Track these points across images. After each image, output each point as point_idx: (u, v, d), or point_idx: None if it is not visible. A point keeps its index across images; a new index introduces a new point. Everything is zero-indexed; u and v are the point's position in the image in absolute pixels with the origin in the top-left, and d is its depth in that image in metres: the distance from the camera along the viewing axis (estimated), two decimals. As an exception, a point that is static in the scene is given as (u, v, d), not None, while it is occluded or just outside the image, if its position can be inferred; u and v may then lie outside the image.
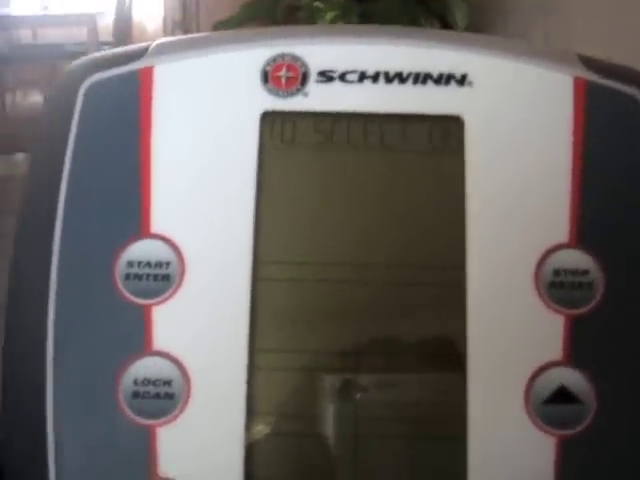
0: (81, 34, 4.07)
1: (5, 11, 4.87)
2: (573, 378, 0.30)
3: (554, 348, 0.31)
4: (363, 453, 0.31)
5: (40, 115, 0.35)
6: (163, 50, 0.34)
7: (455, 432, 0.30)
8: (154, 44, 0.35)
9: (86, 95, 0.33)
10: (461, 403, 0.30)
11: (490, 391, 0.30)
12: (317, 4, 1.50)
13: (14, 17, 4.56)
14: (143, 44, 0.35)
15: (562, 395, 0.30)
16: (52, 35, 4.22)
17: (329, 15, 1.51)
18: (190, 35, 0.36)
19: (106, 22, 4.27)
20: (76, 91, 0.33)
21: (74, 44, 4.02)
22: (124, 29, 4.03)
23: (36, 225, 0.32)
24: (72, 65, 0.35)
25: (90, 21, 4.02)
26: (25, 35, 4.85)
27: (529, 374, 0.30)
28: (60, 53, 3.93)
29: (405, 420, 0.31)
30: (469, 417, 0.30)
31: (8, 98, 4.39)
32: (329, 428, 0.31)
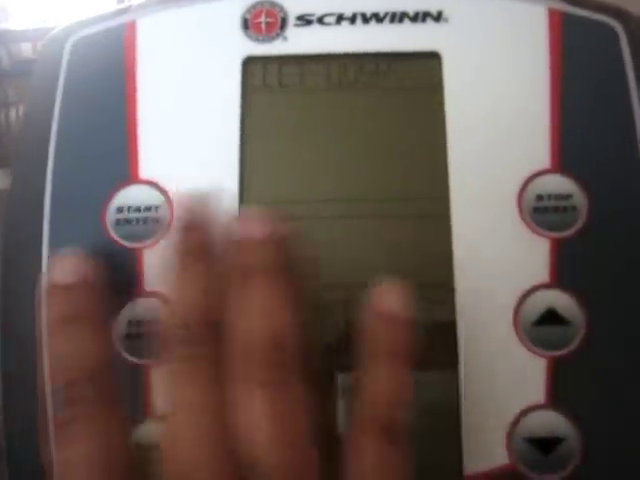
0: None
1: (5, 25, 4.90)
2: (561, 300, 0.31)
3: (541, 271, 0.31)
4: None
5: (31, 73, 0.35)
6: (146, 5, 0.35)
7: (446, 360, 0.31)
8: (137, 2, 0.35)
9: (72, 50, 0.34)
10: (451, 330, 0.31)
11: (479, 316, 0.31)
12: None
13: (14, 31, 4.59)
14: (127, 4, 0.36)
15: (550, 317, 0.31)
16: (52, 48, 4.24)
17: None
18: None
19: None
20: (62, 48, 0.34)
21: (74, 55, 4.03)
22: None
23: (27, 179, 0.33)
24: (59, 25, 0.36)
25: (89, 32, 4.05)
26: (26, 49, 4.90)
27: (517, 297, 0.31)
28: (61, 65, 3.95)
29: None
30: (459, 343, 0.31)
31: (11, 113, 4.43)
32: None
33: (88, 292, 0.28)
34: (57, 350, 0.27)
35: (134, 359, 0.31)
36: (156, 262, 0.31)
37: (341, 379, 0.31)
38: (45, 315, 0.29)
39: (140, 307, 0.31)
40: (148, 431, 0.30)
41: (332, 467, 0.26)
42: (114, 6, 0.36)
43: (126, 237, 0.31)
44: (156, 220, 0.32)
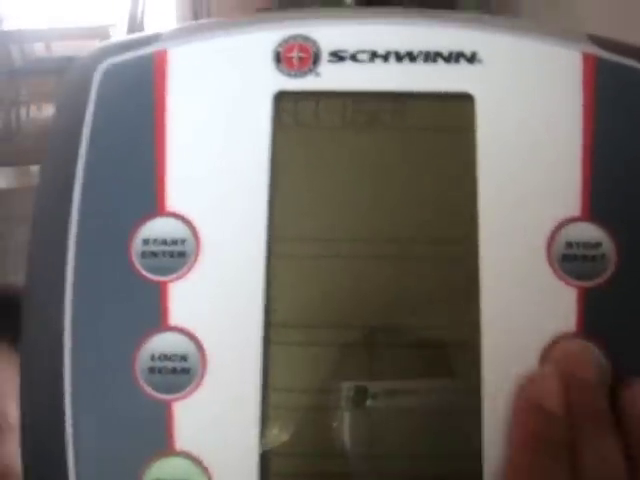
0: (94, 47, 4.10)
1: (18, 24, 4.92)
2: None
3: (567, 320, 0.31)
4: (377, 429, 0.31)
5: (56, 99, 0.35)
6: (177, 34, 0.35)
7: (469, 409, 0.30)
8: (168, 29, 0.35)
9: (101, 78, 0.34)
10: (475, 378, 0.30)
11: (504, 365, 0.30)
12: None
13: (27, 31, 4.61)
14: (158, 30, 0.36)
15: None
16: (65, 48, 4.26)
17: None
18: (203, 20, 0.37)
19: (119, 34, 4.30)
20: (91, 74, 0.34)
21: (87, 56, 4.04)
22: (137, 41, 4.06)
23: (53, 207, 0.33)
24: (87, 51, 0.36)
25: (103, 33, 4.06)
26: (39, 48, 4.91)
27: (543, 347, 0.31)
28: (73, 66, 3.96)
29: (418, 396, 0.31)
30: (483, 391, 0.30)
31: (23, 112, 4.44)
32: (344, 408, 0.31)
33: (565, 424, 0.28)
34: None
35: (157, 393, 0.30)
36: (181, 296, 0.31)
37: (346, 389, 0.31)
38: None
39: (164, 341, 0.31)
40: (168, 467, 0.30)
41: None
42: (144, 33, 0.36)
43: (152, 270, 0.31)
44: (182, 253, 0.31)
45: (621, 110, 0.32)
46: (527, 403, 0.29)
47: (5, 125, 4.03)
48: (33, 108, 4.47)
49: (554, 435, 0.28)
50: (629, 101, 0.32)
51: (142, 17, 4.20)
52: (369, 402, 0.31)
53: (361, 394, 0.31)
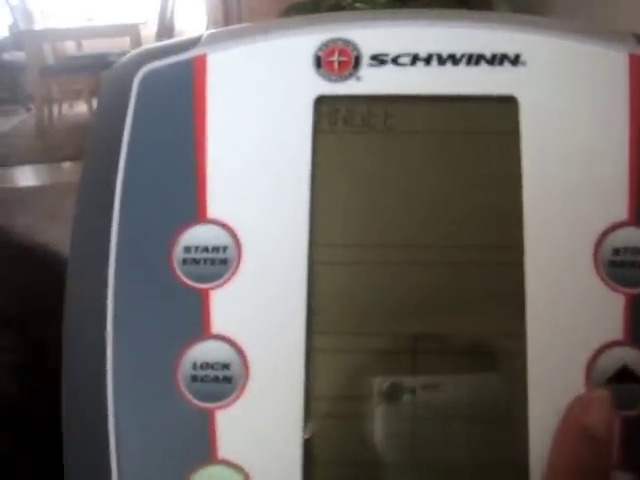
0: (124, 44, 4.13)
1: (50, 23, 4.96)
2: (635, 357, 0.30)
3: (615, 328, 0.30)
4: (419, 438, 0.31)
5: (92, 111, 0.35)
6: (215, 39, 0.34)
7: (515, 418, 0.30)
8: (206, 34, 0.35)
9: (141, 84, 0.33)
10: (521, 386, 0.30)
11: (550, 373, 0.30)
12: (359, 5, 1.50)
13: (59, 29, 4.64)
14: (195, 35, 0.35)
15: (624, 375, 0.30)
16: (96, 46, 4.29)
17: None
18: (241, 25, 0.36)
19: (149, 32, 4.32)
20: (131, 80, 0.34)
21: (118, 54, 4.08)
22: (167, 38, 4.07)
23: (93, 213, 0.33)
24: (125, 56, 0.36)
25: (133, 31, 4.08)
26: (70, 46, 4.94)
27: (590, 355, 0.30)
28: (104, 63, 4.00)
29: (463, 405, 0.31)
30: (529, 400, 0.30)
31: (54, 109, 4.47)
32: (387, 416, 0.31)
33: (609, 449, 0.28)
34: None
35: (199, 402, 0.30)
36: (223, 303, 0.31)
37: (377, 384, 0.31)
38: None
39: (207, 349, 0.31)
40: (211, 475, 0.30)
41: None
42: (183, 38, 0.36)
43: (193, 277, 0.31)
44: (224, 261, 0.31)
45: None
46: (573, 425, 0.28)
47: (37, 122, 4.07)
48: (65, 105, 4.51)
49: (593, 460, 0.27)
50: (677, 102, 0.32)
51: (172, 15, 4.22)
52: (410, 404, 0.30)
53: (400, 392, 0.30)
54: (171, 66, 0.34)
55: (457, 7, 1.50)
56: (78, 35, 4.51)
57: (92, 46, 4.40)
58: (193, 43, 0.34)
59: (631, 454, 0.29)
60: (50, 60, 4.40)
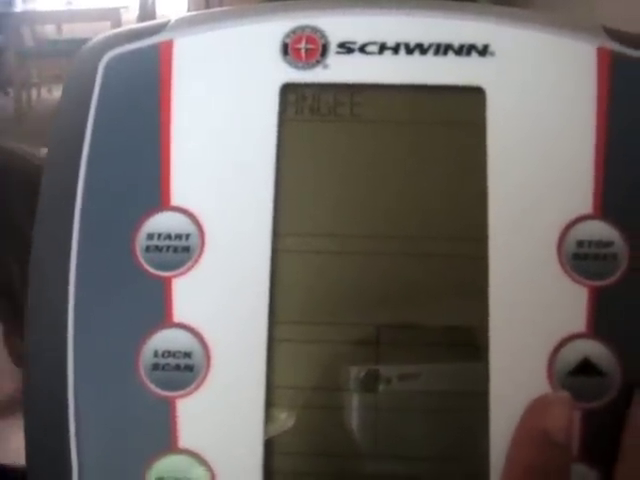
0: (105, 29, 4.09)
1: (30, 6, 4.91)
2: (597, 350, 0.30)
3: (578, 320, 0.30)
4: (383, 429, 0.30)
5: (62, 89, 0.35)
6: (183, 24, 0.34)
7: (477, 407, 0.30)
8: (174, 19, 0.35)
9: (106, 68, 0.33)
10: (483, 376, 0.30)
11: (512, 364, 0.30)
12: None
13: (39, 12, 4.59)
14: (163, 19, 0.35)
15: (586, 367, 0.30)
16: (76, 30, 4.25)
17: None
18: (209, 9, 0.36)
19: (130, 16, 4.29)
20: (96, 65, 0.33)
21: (98, 38, 4.04)
22: (148, 23, 4.04)
23: (56, 198, 0.32)
24: (92, 40, 0.35)
25: (114, 15, 4.04)
26: (50, 30, 4.90)
27: (553, 346, 0.30)
28: (84, 48, 3.96)
29: (425, 397, 0.31)
30: (491, 392, 0.30)
31: (33, 93, 4.43)
32: (350, 407, 0.31)
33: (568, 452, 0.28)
34: None
35: (160, 390, 0.30)
36: (185, 291, 0.31)
37: (354, 372, 0.30)
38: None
39: (168, 337, 0.30)
40: (171, 465, 0.30)
41: None
42: (150, 22, 0.35)
43: (156, 265, 0.31)
44: (187, 248, 0.31)
45: (636, 106, 0.32)
46: (532, 427, 0.28)
47: (16, 107, 4.03)
48: (43, 90, 4.47)
49: (552, 464, 0.27)
50: (644, 96, 0.32)
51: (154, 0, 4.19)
52: (376, 391, 0.30)
53: (371, 379, 0.30)
54: (137, 51, 0.33)
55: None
56: (58, 19, 4.47)
57: (72, 30, 4.36)
58: (160, 28, 0.34)
59: (592, 447, 0.29)
60: (29, 43, 4.35)
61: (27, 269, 0.32)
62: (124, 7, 4.30)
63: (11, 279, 0.57)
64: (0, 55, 4.41)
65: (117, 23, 3.99)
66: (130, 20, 4.19)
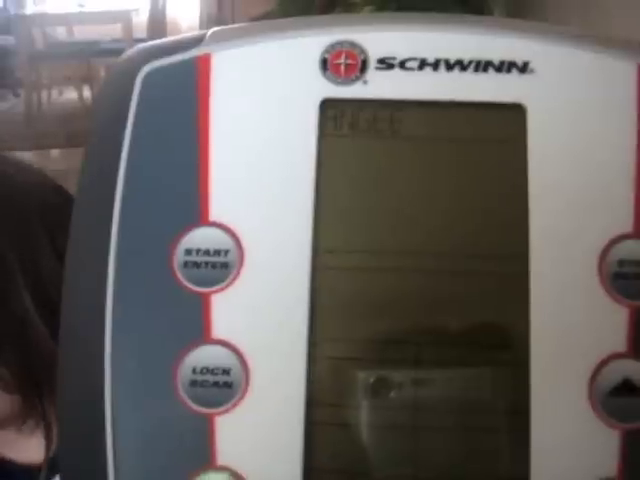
0: (116, 31, 4.11)
1: (41, 8, 4.93)
2: (638, 370, 0.30)
3: (618, 340, 0.30)
4: (424, 446, 0.30)
5: (95, 103, 0.35)
6: (220, 38, 0.34)
7: (517, 426, 0.30)
8: (210, 32, 0.34)
9: (143, 82, 0.33)
10: (523, 396, 0.30)
11: (553, 383, 0.30)
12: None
13: (50, 15, 4.61)
14: (199, 32, 0.35)
15: (626, 387, 0.30)
16: (87, 32, 4.26)
17: (365, 10, 1.50)
18: (246, 23, 0.36)
19: (141, 19, 4.30)
20: (133, 79, 0.33)
21: (109, 41, 4.06)
22: (158, 26, 4.05)
23: (93, 214, 0.32)
24: (127, 53, 0.35)
25: (125, 18, 4.06)
26: (61, 32, 4.91)
27: (593, 366, 0.30)
28: (95, 50, 3.98)
29: (467, 413, 0.31)
30: (532, 410, 0.30)
31: (44, 95, 4.44)
32: (390, 424, 0.30)
33: None
34: None
35: (198, 407, 0.30)
36: (224, 308, 0.31)
37: (363, 377, 0.30)
38: None
39: (207, 354, 0.30)
40: None
41: None
42: (187, 35, 0.35)
43: (194, 281, 0.31)
44: (225, 264, 0.31)
45: None
46: None
47: (26, 108, 4.04)
48: (54, 92, 4.48)
49: None
50: (685, 114, 0.31)
51: (164, 2, 4.19)
52: (416, 409, 0.30)
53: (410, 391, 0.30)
54: (174, 65, 0.33)
55: (452, 4, 1.49)
56: (69, 21, 4.48)
57: (83, 32, 4.37)
58: (197, 41, 0.34)
59: (632, 468, 0.29)
60: (40, 46, 4.37)
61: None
62: (135, 10, 4.32)
63: None
64: (11, 57, 4.43)
65: (128, 25, 4.01)
66: (141, 22, 4.20)
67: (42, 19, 4.31)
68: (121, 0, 4.52)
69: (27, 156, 3.52)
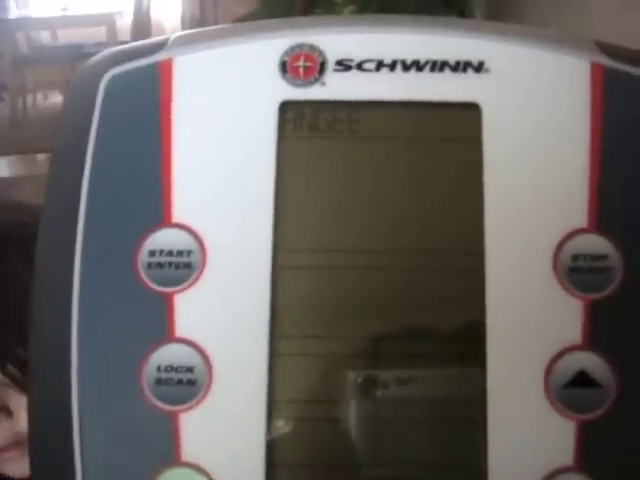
0: (100, 34, 4.10)
1: (24, 13, 4.92)
2: (592, 362, 0.30)
3: (573, 332, 0.31)
4: (383, 438, 0.31)
5: (61, 109, 0.35)
6: (182, 42, 0.34)
7: (475, 418, 0.31)
8: (173, 37, 0.35)
9: (107, 88, 0.33)
10: (480, 389, 0.30)
11: (509, 376, 0.30)
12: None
13: (33, 18, 4.60)
14: (162, 37, 0.35)
15: (582, 379, 0.30)
16: (71, 36, 4.25)
17: (346, 10, 1.51)
18: (208, 27, 0.36)
19: (125, 22, 4.30)
20: (97, 84, 0.34)
21: (93, 44, 4.05)
22: (143, 28, 4.05)
23: (59, 216, 0.33)
24: (92, 59, 0.36)
25: (109, 21, 4.06)
26: (44, 36, 4.90)
27: (549, 359, 0.30)
28: (79, 54, 3.97)
29: (424, 406, 0.31)
30: (489, 403, 0.30)
31: (29, 99, 4.43)
32: (350, 418, 0.31)
33: None
34: None
35: (163, 405, 0.31)
36: (187, 307, 0.31)
37: (352, 377, 0.31)
38: None
39: (171, 353, 0.31)
40: (174, 478, 0.30)
41: None
42: (149, 41, 0.36)
43: (158, 281, 0.31)
44: (188, 265, 0.31)
45: (630, 120, 0.32)
46: None
47: (11, 113, 4.03)
48: (39, 96, 4.47)
49: None
50: (638, 111, 0.32)
51: (148, 5, 4.19)
52: (375, 402, 0.31)
53: (369, 386, 0.31)
54: (137, 70, 0.34)
55: (434, 3, 1.50)
56: (53, 25, 4.47)
57: (67, 36, 4.36)
58: (160, 46, 0.34)
59: (587, 459, 0.30)
60: (24, 50, 4.36)
61: None
62: (118, 13, 4.31)
63: None
64: (-5, 61, 4.41)
65: (112, 28, 4.01)
66: (125, 25, 4.19)
67: (26, 23, 4.30)
68: (105, 3, 4.52)
69: (13, 160, 3.51)
